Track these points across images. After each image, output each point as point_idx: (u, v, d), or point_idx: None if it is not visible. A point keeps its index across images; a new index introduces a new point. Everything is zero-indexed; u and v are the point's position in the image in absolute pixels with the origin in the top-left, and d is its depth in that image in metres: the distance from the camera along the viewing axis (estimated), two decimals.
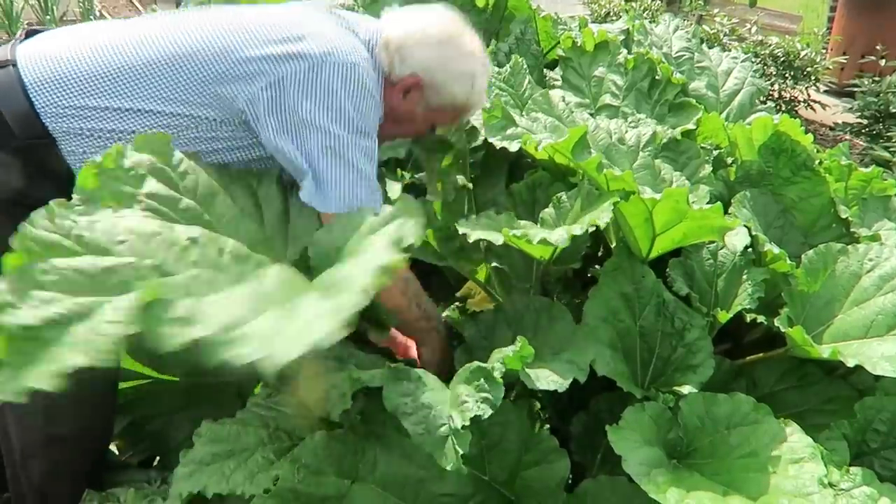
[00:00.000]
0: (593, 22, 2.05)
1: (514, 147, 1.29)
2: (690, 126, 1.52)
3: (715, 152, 1.51)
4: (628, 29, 1.94)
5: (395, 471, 1.05)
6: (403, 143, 1.72)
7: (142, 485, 1.30)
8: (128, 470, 1.45)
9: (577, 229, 1.16)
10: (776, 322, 1.26)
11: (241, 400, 1.41)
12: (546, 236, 1.17)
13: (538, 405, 1.31)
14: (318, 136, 1.16)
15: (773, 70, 4.50)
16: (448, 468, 0.89)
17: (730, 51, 2.15)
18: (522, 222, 1.36)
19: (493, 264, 1.48)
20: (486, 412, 0.90)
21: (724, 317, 1.31)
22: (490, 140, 1.32)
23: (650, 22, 1.87)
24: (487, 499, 1.09)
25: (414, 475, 1.05)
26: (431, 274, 1.67)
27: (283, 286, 0.85)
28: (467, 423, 0.88)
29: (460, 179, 1.68)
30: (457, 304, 1.61)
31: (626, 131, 1.41)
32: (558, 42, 2.04)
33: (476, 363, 0.95)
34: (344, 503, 1.02)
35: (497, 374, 0.91)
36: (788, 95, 4.60)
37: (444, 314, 1.56)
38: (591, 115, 1.53)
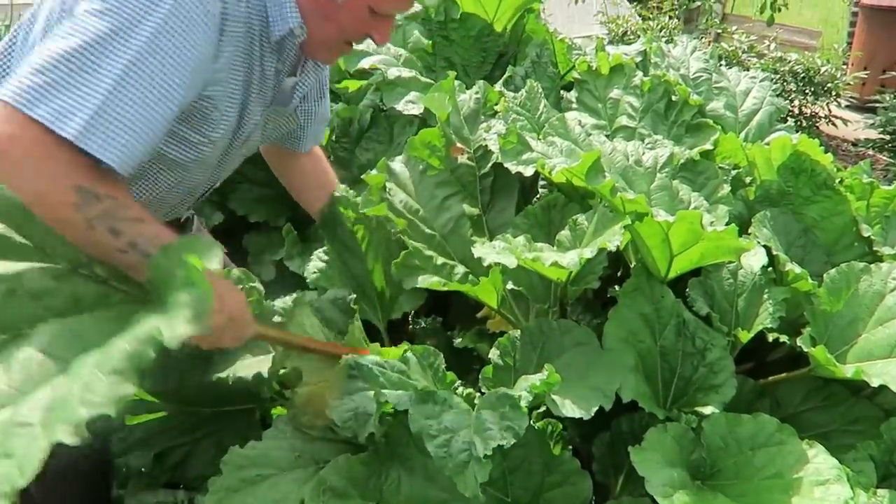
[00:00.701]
0: (610, 42, 2.07)
1: (528, 172, 1.32)
2: (708, 146, 1.53)
3: (733, 172, 1.52)
4: (645, 51, 1.96)
5: (418, 493, 1.06)
6: None
7: None
8: (156, 491, 1.47)
9: (588, 252, 1.18)
10: (799, 341, 1.25)
11: (264, 425, 1.44)
12: (558, 259, 1.19)
13: (559, 426, 1.31)
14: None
15: (792, 86, 4.49)
16: (467, 495, 0.90)
17: (748, 68, 2.16)
18: (538, 244, 1.38)
19: (510, 287, 1.49)
20: (509, 441, 0.91)
21: (745, 336, 1.31)
22: (506, 165, 1.34)
23: (667, 43, 1.89)
24: None
25: (437, 497, 1.06)
26: (450, 294, 1.69)
27: None
28: (489, 453, 0.89)
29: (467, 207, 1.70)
30: (477, 326, 1.62)
31: (644, 153, 1.42)
32: (574, 65, 2.07)
33: (503, 390, 0.96)
34: None
35: (523, 404, 0.92)
36: (809, 111, 4.58)
37: (463, 342, 1.57)
38: (608, 136, 1.54)
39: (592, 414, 1.02)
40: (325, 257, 1.42)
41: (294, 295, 1.45)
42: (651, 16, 6.45)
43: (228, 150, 1.35)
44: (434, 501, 1.06)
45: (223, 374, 1.36)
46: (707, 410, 1.20)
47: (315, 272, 1.39)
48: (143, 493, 1.46)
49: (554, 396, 1.02)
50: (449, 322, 1.84)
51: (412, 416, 0.95)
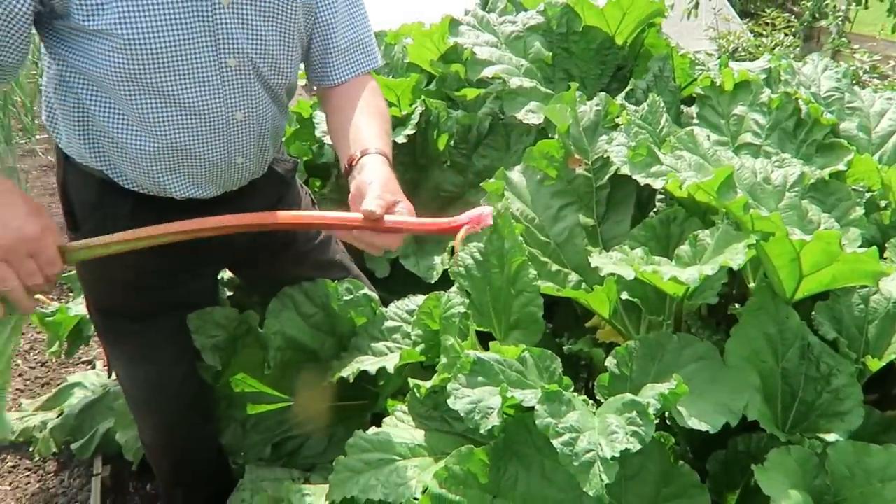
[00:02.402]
0: (718, 58, 2.04)
1: (658, 184, 1.32)
2: (841, 167, 1.49)
3: (867, 195, 1.47)
4: (770, 68, 1.92)
5: (534, 490, 1.08)
6: None
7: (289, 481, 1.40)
8: (273, 469, 1.57)
9: (709, 269, 1.17)
10: None
11: (374, 419, 1.51)
12: (677, 275, 1.19)
13: (671, 439, 1.31)
14: None
15: None
16: (591, 494, 0.92)
17: (869, 88, 2.07)
18: (655, 258, 1.38)
19: (624, 297, 1.50)
20: (636, 446, 0.92)
21: (874, 365, 1.26)
22: (634, 176, 1.35)
23: (797, 61, 1.85)
24: None
25: (553, 497, 1.08)
26: (558, 302, 1.71)
27: None
28: (617, 455, 0.91)
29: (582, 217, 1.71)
30: (589, 335, 1.63)
31: (772, 171, 1.40)
32: (694, 80, 2.05)
33: (629, 396, 0.97)
34: None
35: (651, 411, 0.94)
36: None
37: (577, 346, 1.59)
38: (735, 153, 1.53)
39: (719, 429, 1.02)
40: (479, 257, 1.43)
41: (419, 298, 1.50)
42: (765, 32, 6.23)
43: (172, 51, 1.14)
44: (550, 500, 1.08)
45: (344, 373, 1.44)
46: (830, 437, 1.17)
47: (462, 270, 1.42)
48: (262, 470, 1.56)
49: (679, 408, 1.02)
50: (555, 330, 1.86)
51: (538, 413, 0.98)
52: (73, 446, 2.09)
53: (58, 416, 2.16)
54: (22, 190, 1.12)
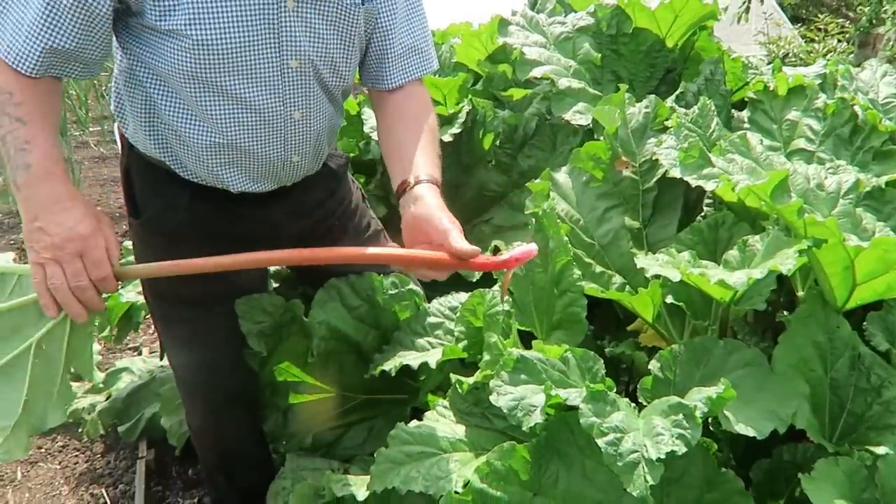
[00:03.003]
0: (769, 63, 2.00)
1: (709, 186, 1.31)
2: None
3: None
4: (825, 73, 1.88)
5: (574, 490, 1.08)
6: None
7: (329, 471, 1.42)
8: (313, 459, 1.59)
9: (758, 273, 1.16)
10: None
11: (413, 413, 1.52)
12: (725, 278, 1.18)
13: (714, 445, 1.30)
14: None
15: None
16: (634, 494, 0.92)
17: None
18: (703, 262, 1.36)
19: (668, 300, 1.49)
20: (682, 449, 0.92)
21: None
22: (685, 178, 1.34)
23: (854, 67, 1.81)
24: None
25: (593, 497, 1.08)
26: (599, 304, 1.70)
27: None
28: (662, 456, 0.90)
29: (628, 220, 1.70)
30: (630, 338, 1.62)
31: (826, 177, 1.38)
32: (746, 83, 2.02)
33: (675, 398, 0.97)
34: None
35: (698, 414, 0.93)
36: None
37: (619, 349, 1.58)
38: (787, 158, 1.50)
39: (766, 435, 1.00)
40: None
41: (462, 296, 1.51)
42: (817, 38, 6.09)
43: (238, 53, 1.17)
44: (590, 500, 1.08)
45: (386, 366, 1.46)
46: (880, 450, 1.14)
47: None
48: (302, 460, 1.58)
49: (726, 412, 1.01)
50: (595, 333, 1.85)
51: (582, 412, 0.98)
52: (120, 429, 2.15)
53: (106, 400, 2.23)
54: (84, 197, 1.18)
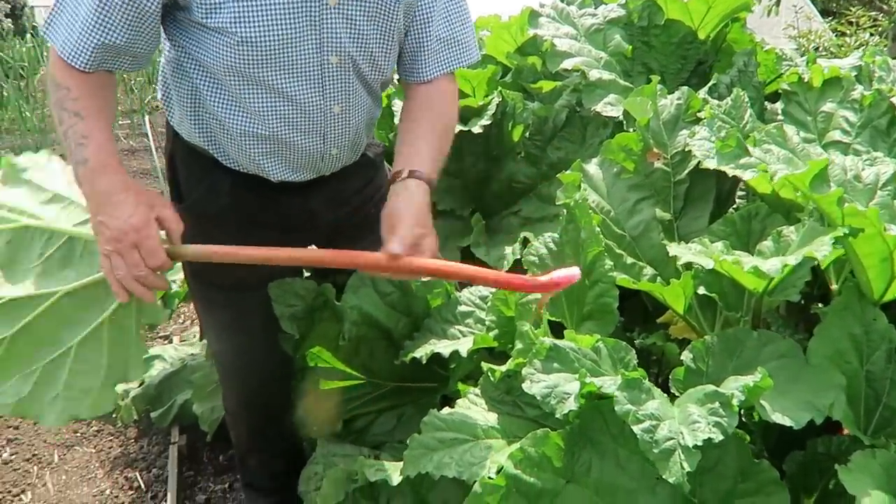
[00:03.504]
0: (802, 55, 1.98)
1: (747, 176, 1.30)
2: None
3: None
4: (860, 65, 1.85)
5: (607, 478, 1.09)
6: None
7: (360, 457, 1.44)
8: (343, 445, 1.61)
9: (792, 260, 1.15)
10: None
11: (443, 402, 1.53)
12: (758, 265, 1.17)
13: (747, 437, 1.29)
14: None
15: None
16: (671, 481, 0.92)
17: None
18: (736, 251, 1.36)
19: (701, 291, 1.48)
20: (718, 437, 0.92)
21: None
22: (722, 168, 1.34)
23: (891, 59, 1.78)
24: None
25: (626, 485, 1.08)
26: (628, 297, 1.70)
27: None
28: (699, 444, 0.90)
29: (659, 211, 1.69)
30: (661, 330, 1.62)
31: (863, 169, 1.36)
32: (780, 75, 2.00)
33: (711, 387, 0.97)
34: (557, 501, 1.07)
35: (735, 402, 0.93)
36: None
37: (650, 340, 1.58)
38: (824, 149, 1.49)
39: (803, 425, 1.00)
40: (553, 247, 1.44)
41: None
42: (848, 32, 5.99)
43: (281, 49, 1.19)
44: (622, 489, 1.08)
45: (417, 353, 1.47)
46: None
47: (535, 259, 1.44)
48: (332, 445, 1.60)
49: (763, 402, 1.01)
50: (624, 325, 1.85)
51: (618, 400, 0.98)
52: (153, 415, 2.19)
53: (139, 386, 2.28)
54: (138, 185, 1.24)
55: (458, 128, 1.52)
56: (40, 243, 1.32)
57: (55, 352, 1.31)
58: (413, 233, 1.23)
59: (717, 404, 0.94)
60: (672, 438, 0.93)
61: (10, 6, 10.19)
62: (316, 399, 1.65)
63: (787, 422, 0.99)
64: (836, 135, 1.64)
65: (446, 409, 1.26)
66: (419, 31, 1.35)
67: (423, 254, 1.24)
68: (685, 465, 0.90)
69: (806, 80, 1.73)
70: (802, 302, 1.49)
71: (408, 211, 1.25)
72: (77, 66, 1.15)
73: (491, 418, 1.25)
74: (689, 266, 1.37)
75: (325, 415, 1.64)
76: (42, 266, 1.31)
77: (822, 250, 1.11)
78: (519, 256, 1.85)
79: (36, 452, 2.23)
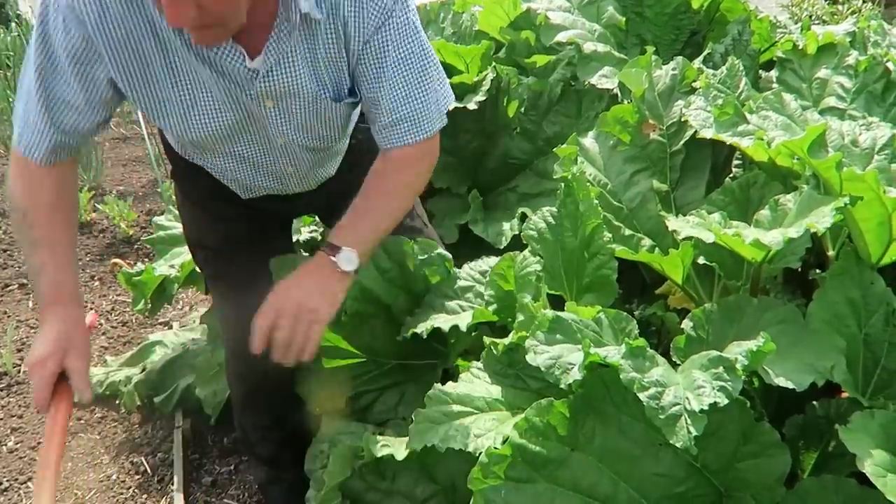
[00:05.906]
0: (796, 22, 1.97)
1: (745, 143, 1.30)
2: None
3: None
4: (854, 31, 1.85)
5: (611, 445, 1.10)
6: None
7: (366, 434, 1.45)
8: (348, 423, 1.62)
9: (794, 232, 1.15)
10: None
11: (444, 377, 1.54)
12: (760, 237, 1.17)
13: (747, 402, 1.31)
14: None
15: None
16: (678, 445, 0.93)
17: None
18: (734, 222, 1.36)
19: (701, 261, 1.49)
20: (723, 401, 0.93)
21: None
22: (720, 136, 1.34)
23: (887, 23, 1.78)
24: (698, 485, 1.11)
25: (629, 451, 1.10)
26: (625, 270, 1.71)
27: None
28: (705, 408, 0.92)
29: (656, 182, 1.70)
30: (660, 300, 1.63)
31: (860, 133, 1.36)
32: (774, 44, 1.99)
33: (714, 352, 0.98)
34: (562, 468, 1.09)
35: (739, 366, 0.94)
36: None
37: (649, 311, 1.59)
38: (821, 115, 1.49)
39: (805, 387, 1.01)
40: (552, 220, 1.44)
41: (492, 260, 1.53)
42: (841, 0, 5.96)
43: (226, 138, 1.35)
44: (626, 455, 1.10)
45: (418, 329, 1.48)
46: None
47: (534, 233, 1.45)
48: (337, 423, 1.61)
49: (765, 366, 1.02)
50: (623, 297, 1.86)
51: (622, 368, 0.99)
52: (156, 400, 2.20)
53: (141, 372, 2.28)
54: (76, 325, 1.31)
55: (454, 105, 1.48)
56: None
57: None
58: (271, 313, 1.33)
59: (721, 369, 0.95)
60: (678, 404, 0.94)
61: None
62: (318, 377, 1.66)
63: (789, 385, 1.00)
64: (831, 101, 1.64)
65: (450, 384, 1.27)
66: (370, 107, 1.35)
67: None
68: (692, 429, 0.91)
69: (800, 48, 1.73)
70: (800, 269, 1.50)
71: (285, 288, 1.35)
72: (37, 158, 1.26)
73: (494, 391, 1.26)
74: (689, 237, 1.38)
75: (328, 393, 1.65)
76: None
77: (824, 222, 1.11)
78: (517, 232, 1.86)
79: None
